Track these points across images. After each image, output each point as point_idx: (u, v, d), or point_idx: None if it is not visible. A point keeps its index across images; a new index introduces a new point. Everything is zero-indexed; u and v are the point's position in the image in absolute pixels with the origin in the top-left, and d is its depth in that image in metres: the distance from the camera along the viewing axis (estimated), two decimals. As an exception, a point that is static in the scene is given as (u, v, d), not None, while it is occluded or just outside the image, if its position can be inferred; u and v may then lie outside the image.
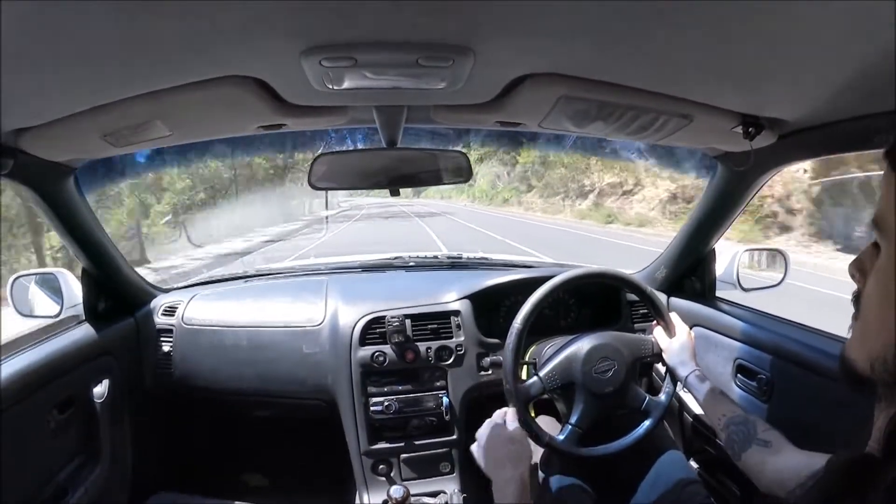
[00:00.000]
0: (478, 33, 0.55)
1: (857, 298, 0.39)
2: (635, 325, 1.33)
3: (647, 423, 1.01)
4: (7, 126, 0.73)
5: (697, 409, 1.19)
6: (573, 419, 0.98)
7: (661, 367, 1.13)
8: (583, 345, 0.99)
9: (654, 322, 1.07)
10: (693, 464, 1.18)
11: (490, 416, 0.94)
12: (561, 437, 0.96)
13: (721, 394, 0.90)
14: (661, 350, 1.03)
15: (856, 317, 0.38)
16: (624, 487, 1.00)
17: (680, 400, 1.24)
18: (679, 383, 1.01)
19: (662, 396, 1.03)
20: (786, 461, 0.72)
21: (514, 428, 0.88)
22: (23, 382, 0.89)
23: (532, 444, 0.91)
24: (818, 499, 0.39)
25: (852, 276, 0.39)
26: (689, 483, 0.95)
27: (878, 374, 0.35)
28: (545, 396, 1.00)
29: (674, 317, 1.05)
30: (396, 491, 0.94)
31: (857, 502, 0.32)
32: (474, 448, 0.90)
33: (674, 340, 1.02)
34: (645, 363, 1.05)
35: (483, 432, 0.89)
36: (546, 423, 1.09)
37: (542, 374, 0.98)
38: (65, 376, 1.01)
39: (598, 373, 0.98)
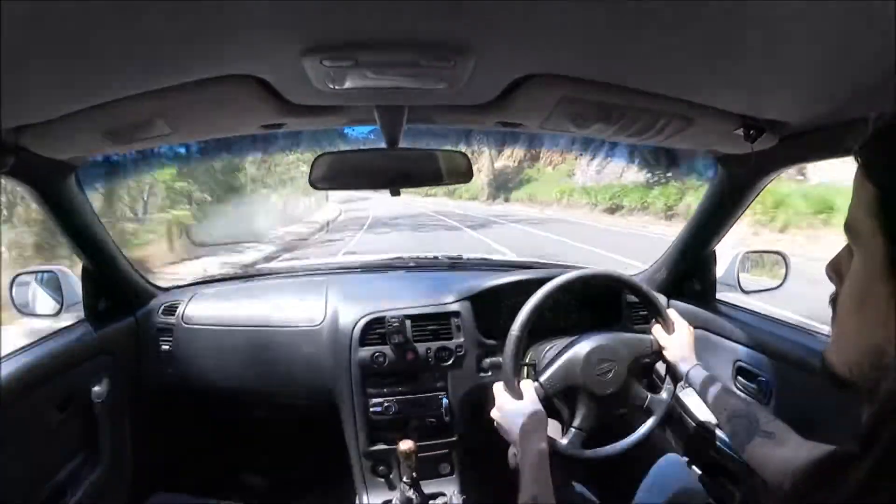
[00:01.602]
0: (479, 34, 0.55)
1: (834, 301, 0.38)
2: (635, 327, 1.32)
3: (651, 420, 1.01)
4: (8, 124, 0.73)
5: (697, 413, 1.19)
6: (576, 422, 0.97)
7: (660, 370, 1.12)
8: (582, 347, 0.99)
9: (653, 320, 1.07)
10: (693, 468, 1.18)
11: (491, 418, 0.93)
12: (564, 442, 0.96)
13: (723, 387, 0.90)
14: (661, 347, 1.03)
15: (834, 319, 0.38)
16: (623, 492, 1.00)
17: (680, 403, 1.23)
18: (680, 380, 1.01)
19: (664, 394, 1.03)
20: (791, 453, 0.71)
21: (531, 399, 0.91)
22: (22, 381, 0.89)
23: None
24: (796, 492, 0.39)
25: (829, 278, 0.39)
26: (689, 487, 0.95)
27: (857, 378, 0.35)
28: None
29: (672, 313, 1.05)
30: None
31: (829, 495, 0.33)
32: (498, 416, 0.92)
33: (674, 337, 1.02)
34: (645, 362, 1.04)
35: (506, 407, 0.91)
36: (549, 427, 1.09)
37: (542, 379, 0.97)
38: (64, 375, 1.01)
39: (598, 374, 0.97)
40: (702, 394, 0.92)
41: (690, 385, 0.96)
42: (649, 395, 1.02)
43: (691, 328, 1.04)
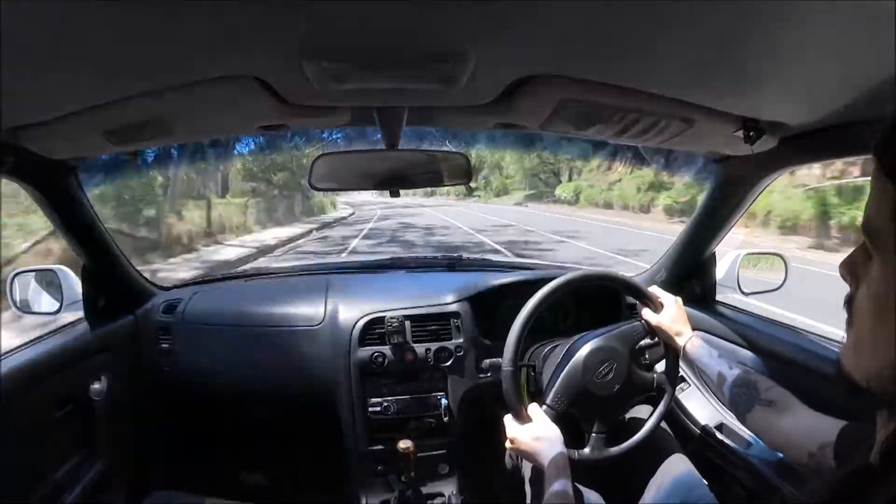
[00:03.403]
0: (478, 35, 0.55)
1: (849, 302, 0.36)
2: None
3: (665, 397, 1.01)
4: (7, 123, 0.73)
5: (697, 416, 1.19)
6: (595, 428, 0.98)
7: (659, 369, 1.12)
8: (578, 355, 0.98)
9: (638, 304, 1.05)
10: (697, 467, 1.18)
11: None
12: (588, 451, 0.96)
13: (721, 356, 0.89)
14: (652, 328, 1.01)
15: (849, 322, 0.36)
16: (630, 493, 1.00)
17: (680, 406, 1.23)
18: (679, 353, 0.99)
19: (666, 372, 1.02)
20: (794, 422, 0.71)
21: (541, 419, 0.92)
22: (22, 379, 0.90)
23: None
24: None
25: (843, 278, 0.37)
26: (695, 487, 0.95)
27: (874, 389, 0.33)
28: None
29: (655, 289, 1.03)
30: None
31: None
32: (513, 447, 0.93)
33: (663, 314, 0.99)
34: (643, 347, 1.03)
35: (520, 437, 0.91)
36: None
37: (549, 401, 0.97)
38: (64, 373, 1.01)
39: (600, 377, 0.97)
40: (700, 364, 0.91)
41: (689, 359, 0.95)
42: (655, 375, 1.02)
43: (679, 300, 1.01)
